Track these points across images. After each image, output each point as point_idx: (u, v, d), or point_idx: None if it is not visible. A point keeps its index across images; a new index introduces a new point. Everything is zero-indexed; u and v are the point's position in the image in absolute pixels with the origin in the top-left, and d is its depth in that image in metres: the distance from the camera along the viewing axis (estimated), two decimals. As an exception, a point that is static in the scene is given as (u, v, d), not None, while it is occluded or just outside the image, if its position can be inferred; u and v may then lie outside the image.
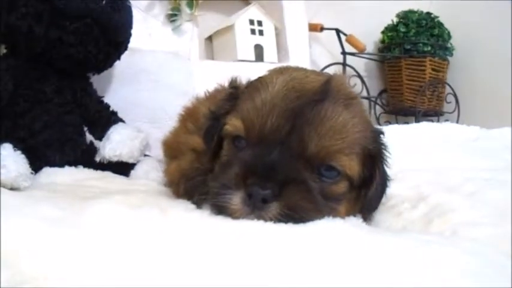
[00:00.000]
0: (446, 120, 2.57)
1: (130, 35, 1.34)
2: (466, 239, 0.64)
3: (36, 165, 1.07)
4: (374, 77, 2.83)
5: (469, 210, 0.75)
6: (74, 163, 1.17)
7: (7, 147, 0.94)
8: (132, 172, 1.20)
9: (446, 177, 0.95)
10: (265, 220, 0.61)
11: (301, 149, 0.65)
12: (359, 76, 2.62)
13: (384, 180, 0.77)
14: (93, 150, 1.23)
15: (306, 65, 2.37)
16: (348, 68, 2.55)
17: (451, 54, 2.61)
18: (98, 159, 1.20)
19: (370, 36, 2.75)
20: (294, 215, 0.61)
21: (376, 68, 2.82)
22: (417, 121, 2.44)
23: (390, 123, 2.73)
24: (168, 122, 1.37)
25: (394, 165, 1.04)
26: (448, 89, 2.64)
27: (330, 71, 2.51)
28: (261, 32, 2.24)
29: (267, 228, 0.58)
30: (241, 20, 2.18)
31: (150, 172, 1.17)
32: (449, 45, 2.59)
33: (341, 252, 0.51)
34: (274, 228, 0.58)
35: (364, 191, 0.75)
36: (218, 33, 2.27)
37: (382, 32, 2.69)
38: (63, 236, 0.50)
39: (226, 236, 0.55)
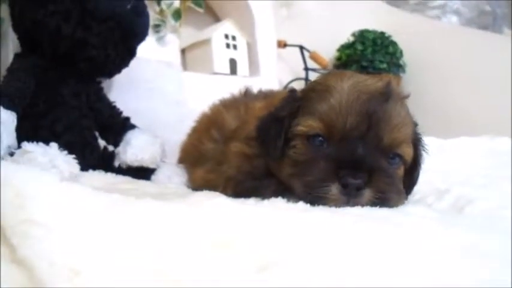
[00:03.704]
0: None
1: (141, 41, 1.36)
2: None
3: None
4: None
5: (491, 197, 0.88)
6: (93, 167, 1.16)
7: (54, 147, 0.93)
8: (153, 177, 1.21)
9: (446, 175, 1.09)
10: (362, 205, 0.71)
11: (378, 142, 0.75)
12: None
13: (421, 163, 0.89)
14: (107, 155, 1.23)
15: (274, 78, 2.50)
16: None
17: (404, 71, 2.82)
18: (117, 164, 1.20)
19: (326, 53, 2.92)
20: (383, 197, 0.72)
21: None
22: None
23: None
24: (162, 130, 1.40)
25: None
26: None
27: (294, 86, 2.67)
28: (235, 47, 2.32)
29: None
30: (217, 34, 2.25)
31: (173, 177, 1.20)
32: (402, 62, 2.81)
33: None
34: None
35: (409, 172, 0.86)
36: (192, 46, 2.33)
37: (338, 50, 2.87)
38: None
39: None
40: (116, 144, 1.25)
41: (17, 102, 1.05)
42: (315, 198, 0.72)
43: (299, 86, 2.69)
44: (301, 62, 2.70)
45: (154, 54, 1.93)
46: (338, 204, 0.71)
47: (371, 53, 2.66)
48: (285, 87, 2.64)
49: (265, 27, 2.45)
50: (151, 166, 1.22)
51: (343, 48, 2.82)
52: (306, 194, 0.73)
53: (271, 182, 0.83)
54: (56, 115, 1.15)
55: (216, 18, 2.48)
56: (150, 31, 1.88)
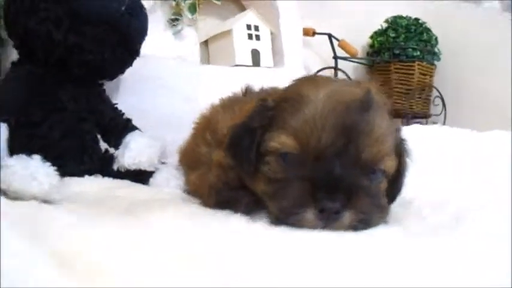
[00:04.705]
0: (434, 122, 2.64)
1: (142, 41, 1.34)
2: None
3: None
4: (366, 80, 2.90)
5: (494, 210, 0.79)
6: (91, 172, 1.16)
7: (36, 159, 0.92)
8: (151, 180, 1.20)
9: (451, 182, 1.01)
10: (340, 229, 0.64)
11: (357, 158, 0.68)
12: (350, 80, 2.68)
13: (405, 171, 0.83)
14: (108, 157, 1.23)
15: (300, 69, 2.42)
16: (339, 72, 2.60)
17: (439, 59, 2.69)
18: (115, 167, 1.20)
19: (359, 40, 2.81)
20: (364, 219, 0.67)
21: (365, 72, 2.88)
22: (406, 124, 2.51)
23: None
24: (178, 128, 1.38)
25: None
26: (435, 92, 2.73)
27: (323, 74, 2.59)
28: (257, 37, 2.26)
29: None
30: (239, 25, 2.20)
31: (171, 180, 1.18)
32: (436, 50, 2.67)
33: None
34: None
35: (391, 182, 0.79)
36: (214, 38, 2.29)
37: (371, 37, 2.76)
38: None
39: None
40: (117, 147, 1.25)
41: (7, 113, 1.05)
42: (290, 225, 0.66)
43: (329, 74, 2.61)
44: (330, 51, 2.61)
45: (171, 48, 1.92)
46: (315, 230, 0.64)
47: (404, 40, 2.54)
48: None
49: (290, 16, 2.38)
50: (149, 169, 1.20)
51: (376, 35, 2.70)
52: (281, 220, 0.68)
53: (245, 194, 0.78)
54: (52, 121, 1.15)
55: (242, 7, 2.42)
56: (167, 25, 1.88)
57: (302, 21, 2.52)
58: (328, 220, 0.65)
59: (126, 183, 1.14)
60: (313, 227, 0.65)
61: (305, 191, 0.66)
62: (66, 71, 1.18)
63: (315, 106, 0.70)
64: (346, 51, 2.52)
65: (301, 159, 0.70)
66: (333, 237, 0.62)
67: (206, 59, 2.35)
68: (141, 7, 1.26)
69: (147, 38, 1.75)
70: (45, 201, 0.88)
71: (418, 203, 0.91)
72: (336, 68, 2.58)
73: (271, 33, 2.34)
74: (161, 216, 0.72)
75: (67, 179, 1.08)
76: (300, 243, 0.59)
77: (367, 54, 2.80)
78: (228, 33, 2.20)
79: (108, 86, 1.41)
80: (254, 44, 2.25)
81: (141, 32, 1.28)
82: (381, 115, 0.72)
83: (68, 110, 1.18)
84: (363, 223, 0.67)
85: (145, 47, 1.75)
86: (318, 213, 0.65)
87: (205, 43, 2.35)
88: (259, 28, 2.28)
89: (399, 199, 0.88)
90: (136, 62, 1.42)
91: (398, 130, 0.81)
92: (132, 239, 0.55)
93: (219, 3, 2.09)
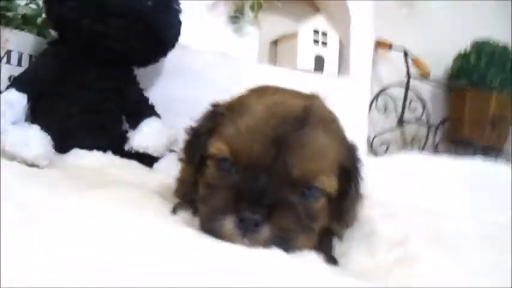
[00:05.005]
0: (506, 159, 2.44)
1: (176, 35, 1.42)
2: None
3: (68, 146, 1.20)
4: (439, 104, 2.75)
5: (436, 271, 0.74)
6: (105, 148, 1.26)
7: (35, 128, 1.04)
8: (156, 165, 1.28)
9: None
10: (258, 242, 0.64)
11: (286, 173, 0.67)
12: (421, 101, 2.57)
13: (358, 195, 0.80)
14: (124, 138, 1.33)
15: (367, 82, 2.36)
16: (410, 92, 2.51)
17: (521, 91, 2.47)
18: (127, 147, 1.29)
19: (441, 60, 2.67)
20: (284, 237, 0.65)
21: (442, 95, 2.73)
22: (474, 155, 2.35)
23: (449, 153, 2.66)
24: None
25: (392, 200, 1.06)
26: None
27: (390, 90, 2.51)
28: (324, 43, 2.25)
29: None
30: (305, 29, 2.21)
31: (171, 167, 1.23)
32: (519, 82, 2.45)
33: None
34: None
35: (339, 203, 0.77)
36: (282, 39, 2.32)
37: (455, 59, 2.61)
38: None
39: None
40: (134, 129, 1.33)
41: (31, 86, 1.19)
42: (210, 232, 0.67)
43: (399, 92, 2.52)
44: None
45: (231, 45, 1.97)
46: (233, 240, 0.64)
47: (484, 67, 2.36)
48: (380, 91, 2.50)
49: (362, 26, 2.32)
50: (154, 154, 1.27)
51: (458, 57, 2.54)
52: (203, 225, 0.69)
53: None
54: (74, 97, 1.27)
55: (312, 7, 2.40)
56: (228, 22, 1.94)
57: (380, 33, 2.47)
58: (246, 231, 0.64)
59: (124, 162, 1.23)
60: (231, 235, 0.65)
61: (229, 200, 0.67)
62: (93, 54, 1.29)
63: (252, 116, 0.70)
64: (419, 69, 2.41)
65: (234, 168, 0.71)
66: (238, 250, 0.63)
67: (274, 58, 2.39)
68: (171, 3, 1.33)
69: (204, 33, 1.84)
70: (33, 165, 0.99)
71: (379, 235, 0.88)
72: (407, 87, 2.48)
73: (340, 41, 2.31)
74: (98, 196, 0.77)
75: (74, 150, 1.19)
76: (200, 248, 0.60)
77: (448, 77, 2.64)
78: (294, 36, 2.22)
79: (145, 72, 1.51)
80: (319, 49, 2.24)
81: (167, 25, 1.34)
82: (321, 132, 0.71)
83: (93, 88, 1.29)
84: (282, 240, 0.65)
85: (203, 41, 1.86)
86: (238, 223, 0.65)
87: (276, 42, 2.38)
88: (327, 34, 2.26)
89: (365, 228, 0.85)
90: (176, 53, 1.50)
91: (351, 149, 0.79)
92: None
93: (280, 5, 2.10)
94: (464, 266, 0.75)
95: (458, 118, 2.53)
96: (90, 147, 1.23)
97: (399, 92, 2.54)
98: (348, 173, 0.76)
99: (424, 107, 2.56)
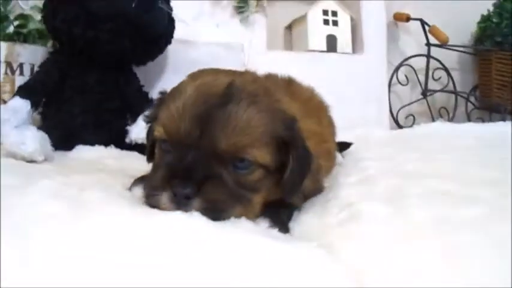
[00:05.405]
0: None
1: (168, 32, 1.53)
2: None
3: (74, 144, 1.33)
4: (468, 71, 2.68)
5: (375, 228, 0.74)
6: (107, 143, 1.38)
7: (31, 129, 1.17)
8: (156, 156, 1.38)
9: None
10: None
11: (213, 148, 0.73)
12: (445, 69, 2.51)
13: (302, 165, 0.82)
14: (125, 132, 1.44)
15: (383, 57, 2.35)
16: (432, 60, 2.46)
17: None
18: (127, 140, 1.41)
19: (467, 26, 2.59)
20: (213, 207, 0.72)
21: (470, 62, 2.65)
22: (503, 119, 2.27)
23: (483, 120, 2.58)
24: None
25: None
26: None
27: (414, 62, 2.47)
28: (335, 23, 2.27)
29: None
30: (314, 10, 2.23)
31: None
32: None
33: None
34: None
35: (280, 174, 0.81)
36: (295, 22, 2.35)
37: (478, 23, 2.52)
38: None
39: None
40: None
41: (33, 92, 1.33)
42: (151, 206, 0.75)
43: (421, 62, 2.48)
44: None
45: (239, 35, 2.03)
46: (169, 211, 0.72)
47: (506, 27, 2.27)
48: (400, 64, 2.47)
49: (373, 2, 2.31)
50: (152, 145, 1.36)
51: (482, 21, 2.46)
52: (146, 200, 0.77)
53: None
54: (76, 99, 1.41)
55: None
56: (234, 12, 2.01)
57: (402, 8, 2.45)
58: (179, 204, 0.72)
59: (123, 154, 1.34)
60: (167, 208, 0.73)
61: (164, 177, 0.75)
62: (91, 59, 1.41)
63: (181, 98, 0.77)
64: (436, 38, 2.36)
65: (171, 148, 0.79)
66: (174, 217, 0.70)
67: (289, 43, 2.43)
68: (155, 2, 1.42)
69: (210, 25, 1.92)
70: (31, 161, 1.12)
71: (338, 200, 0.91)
72: (428, 56, 2.44)
73: (352, 19, 2.31)
74: (69, 180, 0.88)
75: (78, 146, 1.32)
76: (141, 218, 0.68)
77: (472, 41, 2.57)
78: (303, 18, 2.25)
79: (151, 69, 1.63)
80: (330, 29, 2.26)
81: (154, 24, 1.43)
82: (246, 106, 0.75)
83: (94, 90, 1.42)
84: (213, 211, 0.72)
85: (211, 34, 1.94)
86: (173, 197, 0.73)
87: (290, 27, 2.42)
88: (338, 14, 2.27)
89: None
90: (180, 47, 1.59)
91: (288, 121, 0.81)
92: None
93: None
94: (410, 221, 0.76)
95: (487, 83, 2.45)
96: (94, 144, 1.36)
97: (422, 63, 2.50)
98: (287, 144, 0.80)
99: (449, 75, 2.51)
